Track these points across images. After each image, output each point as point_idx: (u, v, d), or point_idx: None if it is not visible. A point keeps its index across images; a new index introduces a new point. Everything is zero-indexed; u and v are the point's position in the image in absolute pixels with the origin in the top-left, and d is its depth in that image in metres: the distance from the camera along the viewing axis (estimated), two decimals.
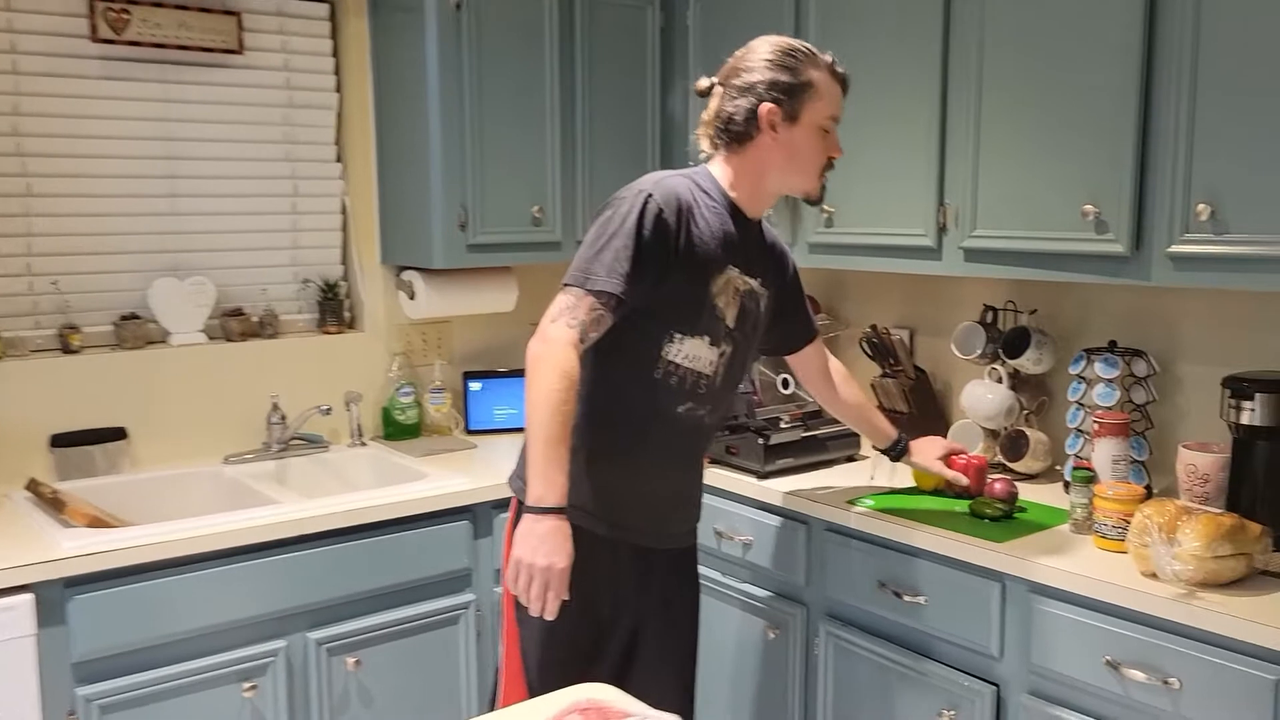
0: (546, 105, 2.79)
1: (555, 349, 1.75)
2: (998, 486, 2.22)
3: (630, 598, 1.98)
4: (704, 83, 1.97)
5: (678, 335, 1.89)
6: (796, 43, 1.92)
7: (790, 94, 1.88)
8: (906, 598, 2.12)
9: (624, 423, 1.92)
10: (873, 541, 2.20)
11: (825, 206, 2.58)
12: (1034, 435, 2.42)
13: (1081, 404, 2.31)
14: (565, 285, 1.81)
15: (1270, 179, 1.81)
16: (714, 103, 1.95)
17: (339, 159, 2.91)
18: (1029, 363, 2.41)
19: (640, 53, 2.96)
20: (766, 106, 1.88)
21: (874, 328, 2.73)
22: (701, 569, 2.43)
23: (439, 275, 2.85)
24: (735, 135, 1.92)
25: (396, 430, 2.93)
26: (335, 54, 2.87)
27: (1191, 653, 1.70)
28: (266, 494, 2.40)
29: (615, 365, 1.91)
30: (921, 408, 2.71)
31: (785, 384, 2.77)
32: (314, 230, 2.90)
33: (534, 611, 1.71)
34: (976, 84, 2.24)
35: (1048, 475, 2.47)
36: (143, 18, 2.52)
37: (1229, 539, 1.73)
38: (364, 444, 2.85)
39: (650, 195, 1.85)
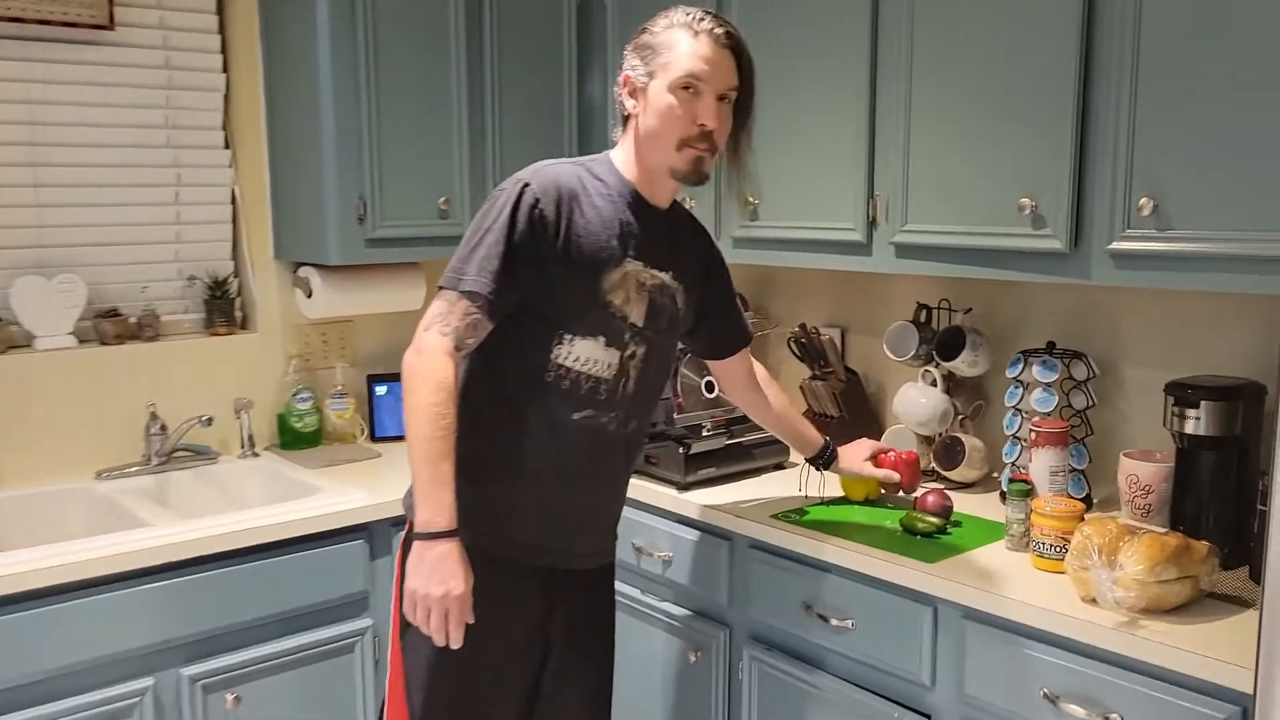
0: (453, 88, 2.58)
1: (429, 360, 1.63)
2: (930, 499, 2.08)
3: (534, 622, 1.81)
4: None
5: (567, 336, 1.72)
6: (678, 9, 1.75)
7: (643, 56, 1.73)
8: (834, 621, 1.97)
9: (516, 432, 1.75)
10: (797, 560, 2.05)
11: (749, 198, 2.42)
12: (970, 442, 2.28)
13: (1019, 409, 2.17)
14: (440, 288, 1.67)
15: (1215, 172, 1.67)
16: None
17: (228, 145, 2.68)
18: (964, 365, 2.27)
19: (555, 32, 2.76)
20: (624, 74, 1.76)
21: (803, 327, 2.58)
22: (621, 586, 2.29)
23: (338, 271, 2.64)
24: (621, 113, 1.79)
25: (294, 439, 2.72)
26: (221, 30, 2.64)
27: (1135, 686, 1.56)
28: (138, 514, 2.18)
29: (503, 370, 1.75)
30: (853, 412, 2.56)
31: (710, 388, 2.60)
32: (200, 223, 2.67)
33: (438, 642, 1.60)
34: (907, 69, 2.08)
35: (985, 484, 2.34)
36: None
37: (1174, 561, 1.59)
38: (256, 455, 2.63)
39: (527, 185, 1.69)
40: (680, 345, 2.04)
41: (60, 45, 2.40)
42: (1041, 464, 1.99)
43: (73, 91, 2.44)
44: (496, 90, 2.66)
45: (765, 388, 2.18)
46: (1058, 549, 1.77)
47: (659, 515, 2.33)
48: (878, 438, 2.49)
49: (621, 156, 1.80)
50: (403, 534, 1.77)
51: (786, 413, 2.20)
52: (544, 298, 1.70)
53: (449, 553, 1.59)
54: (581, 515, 1.83)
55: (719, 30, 1.72)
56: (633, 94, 1.75)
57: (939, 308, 2.40)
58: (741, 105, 1.79)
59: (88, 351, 2.47)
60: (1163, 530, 1.67)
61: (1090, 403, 2.14)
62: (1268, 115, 1.60)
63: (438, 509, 1.59)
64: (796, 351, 2.58)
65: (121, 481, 2.41)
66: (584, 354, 1.72)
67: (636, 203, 1.77)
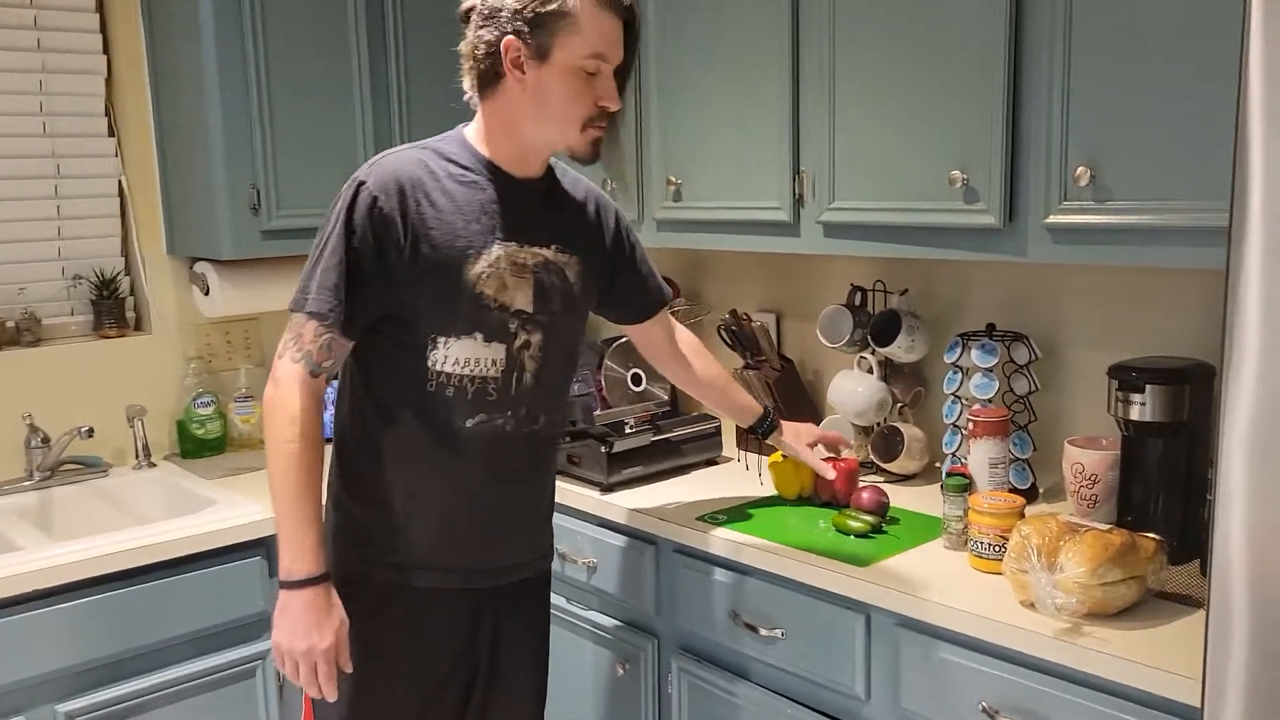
0: (354, 61, 2.41)
1: (282, 392, 1.50)
2: (865, 496, 1.94)
3: (456, 650, 1.66)
4: (465, 4, 1.56)
5: (440, 340, 1.56)
6: None
7: (538, 25, 1.49)
8: (762, 630, 1.83)
9: (404, 448, 1.59)
10: (723, 565, 1.91)
11: (671, 178, 2.26)
12: (909, 431, 2.15)
13: (958, 396, 2.04)
14: (290, 310, 1.51)
15: (1155, 138, 1.54)
16: (468, 32, 1.56)
17: (112, 132, 2.48)
18: (900, 351, 2.14)
19: None
20: (508, 40, 1.50)
21: (733, 314, 2.43)
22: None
23: (237, 266, 2.46)
24: (483, 77, 1.56)
25: (196, 447, 2.53)
26: (99, 9, 2.44)
27: (1079, 699, 1.43)
28: (6, 536, 2.00)
29: (382, 384, 1.59)
30: (789, 402, 2.42)
31: (636, 380, 2.46)
32: (85, 217, 2.47)
33: (313, 695, 1.50)
34: (829, 36, 1.94)
35: (927, 475, 2.21)
36: None
37: (1118, 562, 1.47)
38: (152, 465, 2.45)
39: (362, 184, 1.52)
40: (597, 317, 1.89)
41: None
42: (980, 456, 1.85)
43: None
44: (401, 60, 2.48)
45: (694, 356, 2.00)
46: (996, 548, 1.64)
47: (582, 519, 2.18)
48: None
49: (480, 129, 1.60)
50: None
51: (717, 379, 2.02)
52: (405, 302, 1.54)
53: (313, 602, 1.47)
54: (494, 528, 1.66)
55: (625, 1, 1.54)
56: (517, 64, 1.52)
57: (874, 290, 2.26)
58: (623, 79, 1.60)
59: None
60: (1106, 527, 1.54)
61: (1033, 387, 2.01)
62: (1207, 77, 1.47)
63: (299, 554, 1.47)
64: (727, 340, 2.44)
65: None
66: (462, 355, 1.56)
67: (499, 179, 1.59)
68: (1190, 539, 1.70)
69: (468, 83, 1.59)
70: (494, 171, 1.59)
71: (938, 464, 2.20)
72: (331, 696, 1.49)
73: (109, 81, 2.47)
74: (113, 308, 2.48)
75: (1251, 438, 1.09)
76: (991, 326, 2.06)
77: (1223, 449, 1.12)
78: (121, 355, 2.48)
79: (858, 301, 2.26)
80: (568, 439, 2.22)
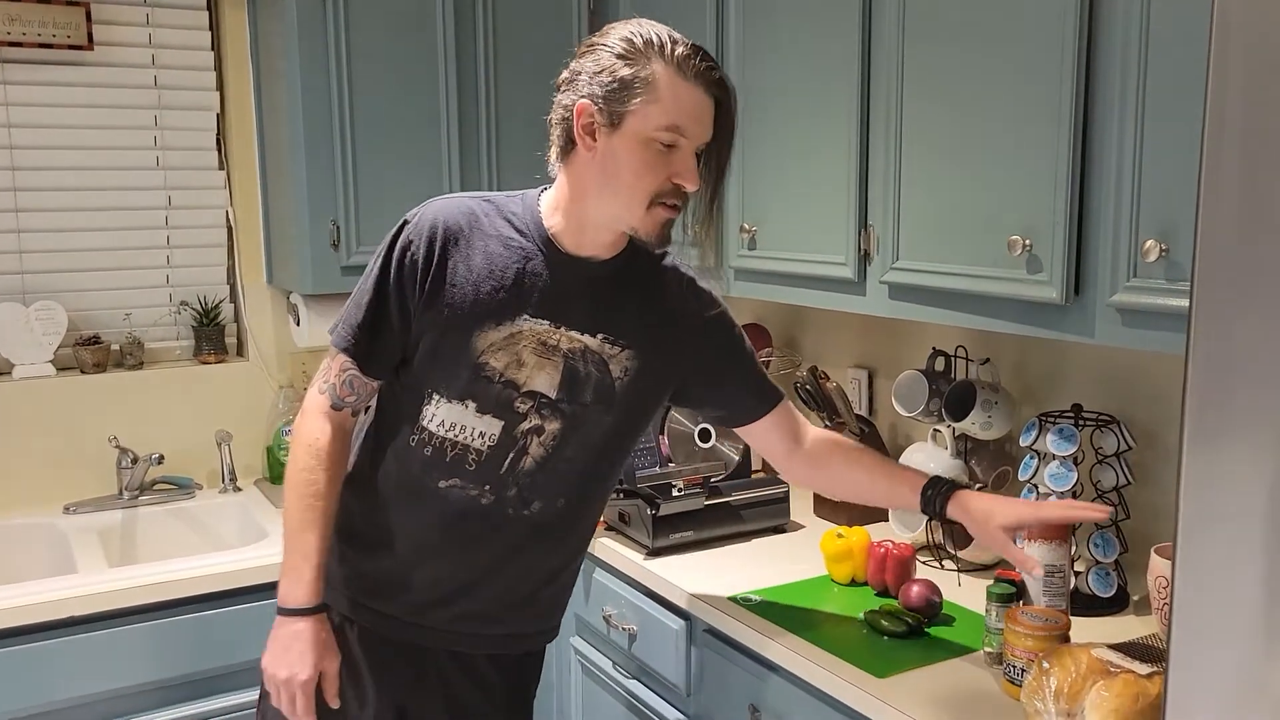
0: (442, 104, 2.40)
1: (305, 420, 1.55)
2: (914, 591, 1.74)
3: (391, 704, 1.59)
4: (564, 73, 1.48)
5: (435, 397, 1.51)
6: (654, 28, 1.42)
7: (615, 91, 1.39)
8: None
9: (384, 494, 1.56)
10: (747, 654, 1.75)
11: (745, 225, 2.13)
12: None
13: (1034, 485, 1.80)
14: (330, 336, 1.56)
15: None
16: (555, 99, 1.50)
17: (222, 166, 2.59)
18: (975, 427, 1.91)
19: (563, 38, 2.53)
20: (581, 104, 1.41)
21: (812, 371, 2.26)
22: (592, 653, 2.15)
23: (326, 299, 2.50)
24: (561, 144, 1.48)
25: (283, 473, 2.59)
26: (215, 48, 2.55)
27: None
28: (74, 556, 2.10)
29: (380, 428, 1.59)
30: None
31: (704, 436, 2.33)
32: (192, 246, 2.59)
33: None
34: (898, 85, 1.75)
35: (1004, 568, 1.96)
36: None
37: (1151, 717, 1.23)
38: (238, 489, 2.53)
39: (406, 223, 1.51)
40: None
41: (36, 67, 2.36)
42: None
43: (51, 114, 2.39)
44: (491, 106, 2.46)
45: (828, 453, 1.71)
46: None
47: (625, 582, 2.08)
48: None
49: (551, 197, 1.52)
50: None
51: (864, 467, 1.69)
52: (418, 352, 1.51)
53: (302, 634, 1.49)
54: (454, 591, 1.57)
55: (714, 75, 1.42)
56: (589, 130, 1.42)
57: (955, 356, 2.04)
58: (717, 163, 1.47)
59: (64, 380, 2.42)
60: (1148, 670, 1.29)
61: (1124, 480, 1.75)
62: None
63: (295, 583, 1.50)
64: (804, 399, 2.27)
65: (84, 517, 2.34)
66: (449, 419, 1.51)
67: (550, 252, 1.50)
68: None
69: (552, 152, 1.52)
70: (548, 245, 1.51)
71: None
72: None
73: (221, 117, 2.57)
74: (213, 334, 2.57)
75: None
76: (1078, 407, 1.80)
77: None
78: (218, 380, 2.58)
79: (939, 368, 2.05)
80: (620, 496, 2.12)
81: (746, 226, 2.13)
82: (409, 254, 1.48)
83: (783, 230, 2.06)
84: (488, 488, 1.52)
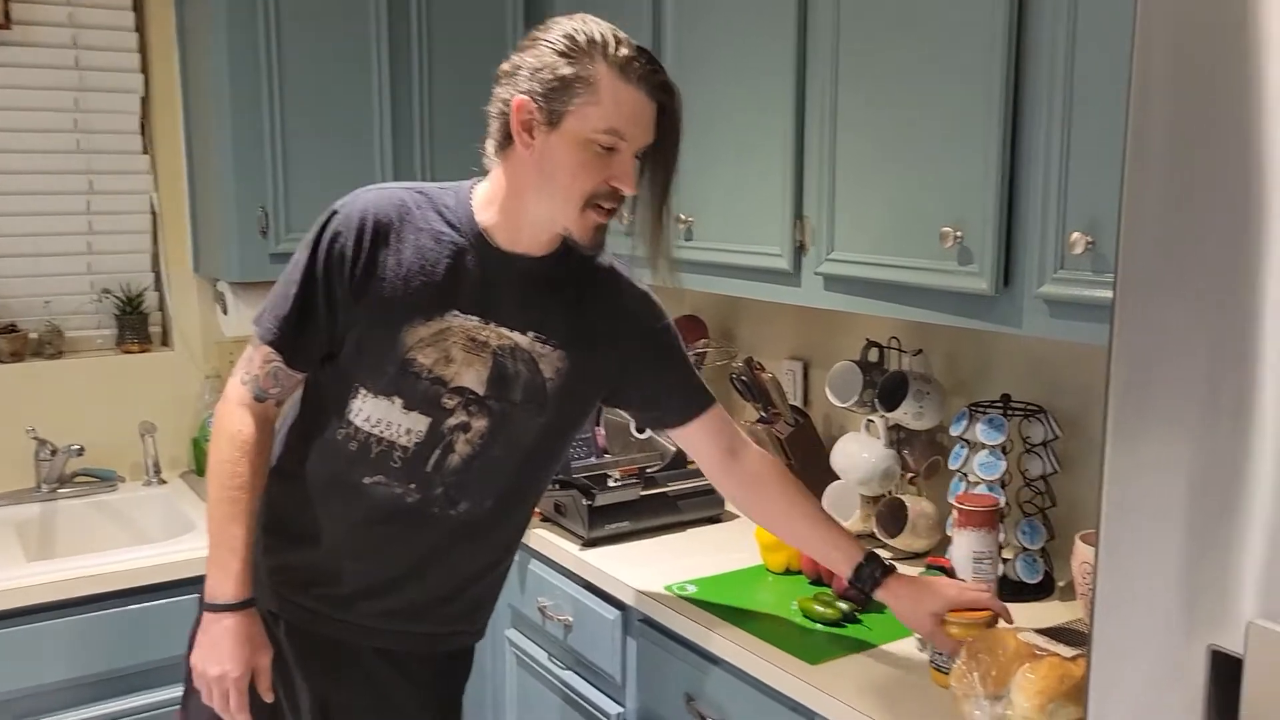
0: (375, 88, 2.36)
1: (227, 411, 1.52)
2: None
3: (317, 691, 1.57)
4: (505, 65, 1.45)
5: (361, 392, 1.48)
6: (599, 26, 1.39)
7: (554, 89, 1.36)
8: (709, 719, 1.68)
9: (307, 487, 1.53)
10: (682, 643, 1.76)
11: (682, 215, 2.12)
12: (916, 505, 1.95)
13: (964, 474, 1.83)
14: (252, 324, 1.52)
15: None
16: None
17: (146, 150, 2.52)
18: (907, 417, 1.94)
19: (499, 26, 2.50)
20: (519, 100, 1.38)
21: (747, 362, 2.27)
22: (528, 646, 2.13)
23: (255, 287, 2.45)
24: (498, 137, 1.45)
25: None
26: (139, 28, 2.47)
27: None
28: None
29: (304, 417, 1.56)
30: (802, 460, 2.24)
31: (641, 427, 2.32)
32: (115, 233, 2.51)
33: None
34: (833, 72, 1.77)
35: (936, 554, 1.99)
36: None
37: (1075, 697, 1.25)
38: (162, 482, 2.47)
39: (334, 213, 1.47)
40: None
41: None
42: (964, 548, 1.65)
43: None
44: (426, 90, 2.42)
45: (766, 484, 1.67)
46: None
47: (561, 573, 2.07)
48: (822, 491, 2.18)
49: (485, 191, 1.50)
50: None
51: (795, 505, 1.65)
52: (344, 345, 1.49)
53: (231, 630, 1.44)
54: (373, 587, 1.55)
55: (658, 78, 1.40)
56: (527, 127, 1.39)
57: (888, 347, 2.06)
58: (663, 167, 1.45)
59: None
60: (1073, 653, 1.32)
61: (1051, 469, 1.79)
62: None
63: (224, 578, 1.45)
64: (739, 390, 2.28)
65: (3, 510, 2.27)
66: (375, 414, 1.48)
67: (482, 248, 1.48)
68: None
69: (489, 144, 1.48)
70: (480, 239, 1.48)
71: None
72: None
73: (146, 100, 2.50)
74: (136, 323, 2.51)
75: None
76: (1006, 398, 1.84)
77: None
78: (142, 370, 2.51)
79: (872, 358, 2.07)
80: (555, 486, 2.11)
81: (683, 217, 2.13)
82: (337, 245, 1.44)
83: (719, 221, 2.06)
84: (413, 485, 1.50)
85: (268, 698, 1.49)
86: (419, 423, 1.48)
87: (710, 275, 2.12)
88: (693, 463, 2.37)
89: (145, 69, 2.49)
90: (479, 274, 1.47)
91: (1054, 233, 1.44)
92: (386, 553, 1.54)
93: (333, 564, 1.53)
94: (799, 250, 1.89)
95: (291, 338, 1.46)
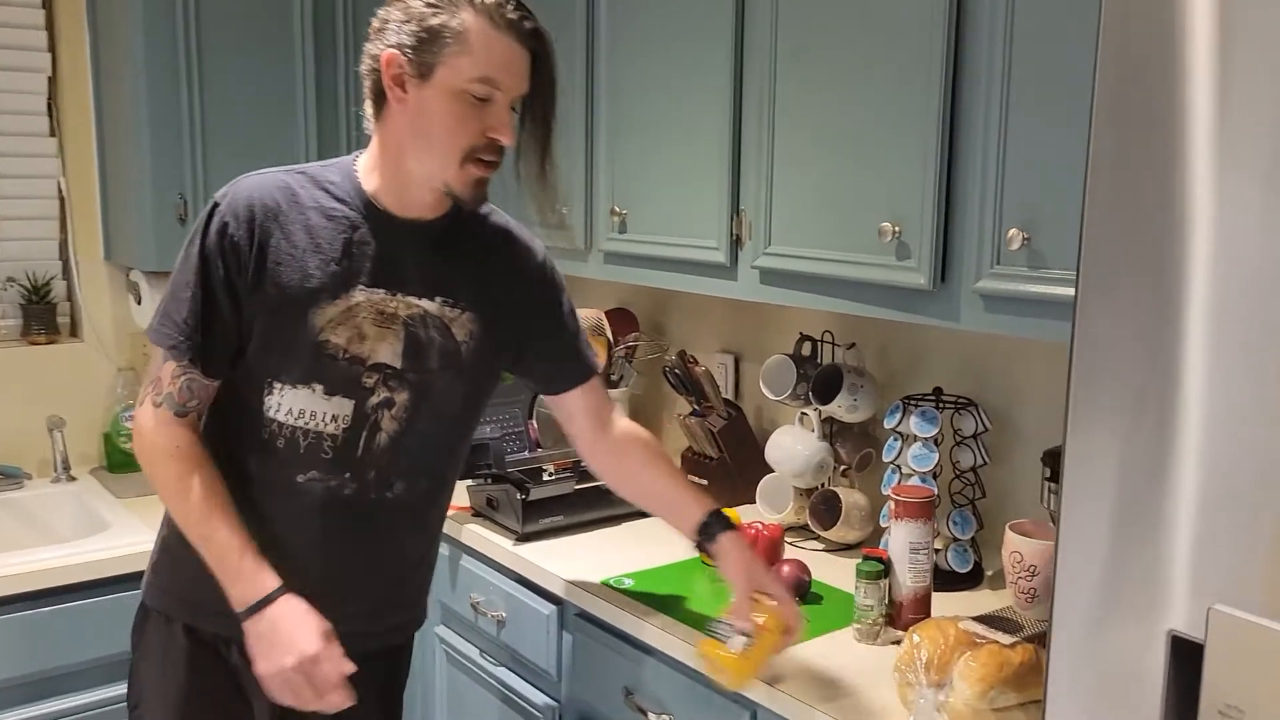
0: (298, 66, 2.30)
1: (149, 439, 1.42)
2: (785, 570, 1.77)
3: (276, 710, 1.49)
4: (374, 22, 1.42)
5: (276, 385, 1.43)
6: None
7: (423, 40, 1.33)
8: (651, 715, 1.67)
9: (242, 494, 1.45)
10: (621, 637, 1.75)
11: (616, 208, 2.11)
12: (850, 498, 1.97)
13: (898, 466, 1.85)
14: (149, 338, 1.44)
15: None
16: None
17: (54, 134, 2.41)
18: (841, 410, 1.96)
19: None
20: (389, 54, 1.35)
21: (680, 355, 2.27)
22: (460, 643, 2.09)
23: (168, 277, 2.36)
24: (372, 96, 1.42)
25: (122, 461, 2.44)
26: (46, 5, 2.36)
27: None
28: None
29: (221, 426, 1.47)
30: (735, 453, 2.25)
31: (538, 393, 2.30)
32: (20, 219, 2.40)
33: (332, 706, 1.37)
34: (770, 68, 1.77)
35: (870, 545, 2.02)
36: None
37: (1015, 684, 1.28)
38: (72, 479, 2.37)
39: (216, 206, 1.40)
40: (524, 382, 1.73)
41: None
42: (900, 539, 1.67)
43: None
44: (351, 67, 2.36)
45: (630, 455, 1.69)
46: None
47: (495, 569, 2.04)
48: (755, 486, 2.19)
49: (367, 158, 1.46)
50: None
51: (654, 467, 1.68)
52: (248, 340, 1.42)
53: (281, 615, 1.36)
54: (325, 591, 1.46)
55: (527, 25, 1.37)
56: (398, 81, 1.37)
57: (822, 341, 2.08)
58: (541, 117, 1.44)
59: None
60: (1011, 640, 1.35)
61: (981, 460, 1.83)
62: None
63: (241, 579, 1.38)
64: (672, 383, 2.28)
65: None
66: (296, 406, 1.43)
67: (375, 218, 1.44)
68: None
69: (367, 107, 1.44)
70: (371, 209, 1.44)
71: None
72: (347, 701, 1.37)
73: (53, 80, 2.39)
74: (43, 313, 2.40)
75: None
76: (938, 390, 1.87)
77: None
78: (50, 362, 2.41)
79: (805, 352, 2.09)
80: (488, 481, 2.09)
81: (617, 210, 2.12)
82: (228, 236, 1.38)
83: (654, 214, 2.05)
84: (348, 475, 1.46)
85: (349, 667, 1.37)
86: (343, 407, 1.43)
87: (644, 268, 2.11)
88: None
89: (53, 47, 2.38)
90: (376, 245, 1.43)
91: (991, 229, 1.47)
92: (334, 554, 1.49)
93: (282, 575, 1.44)
94: (735, 244, 1.89)
95: (199, 343, 1.39)
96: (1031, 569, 1.66)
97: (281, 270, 1.39)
